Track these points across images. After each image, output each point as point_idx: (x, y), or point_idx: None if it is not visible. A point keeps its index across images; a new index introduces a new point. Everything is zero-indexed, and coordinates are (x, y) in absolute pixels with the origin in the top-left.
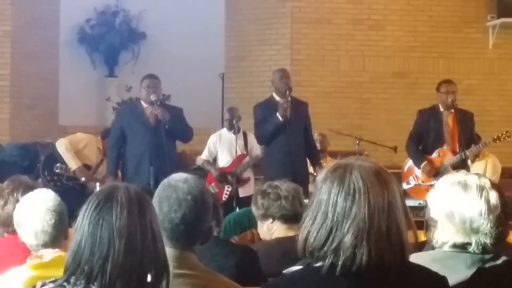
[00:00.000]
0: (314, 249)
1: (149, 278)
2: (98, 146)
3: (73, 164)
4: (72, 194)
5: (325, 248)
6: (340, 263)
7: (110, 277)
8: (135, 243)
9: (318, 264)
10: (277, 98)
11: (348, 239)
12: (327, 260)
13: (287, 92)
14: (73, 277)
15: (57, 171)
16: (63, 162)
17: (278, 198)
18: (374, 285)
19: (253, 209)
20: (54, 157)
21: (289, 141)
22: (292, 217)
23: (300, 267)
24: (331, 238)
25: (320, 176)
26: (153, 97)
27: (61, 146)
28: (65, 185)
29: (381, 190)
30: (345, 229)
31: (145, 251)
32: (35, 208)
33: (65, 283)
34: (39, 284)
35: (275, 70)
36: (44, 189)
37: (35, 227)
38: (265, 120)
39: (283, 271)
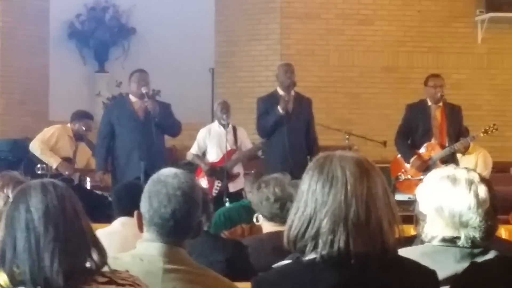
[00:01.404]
0: (296, 238)
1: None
2: (69, 134)
3: (53, 162)
4: None
5: (306, 236)
6: (319, 249)
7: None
8: (57, 222)
9: (307, 258)
10: (280, 92)
11: (324, 225)
12: (307, 248)
13: (290, 86)
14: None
15: (39, 172)
16: (42, 162)
17: (263, 198)
18: (358, 273)
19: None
20: (33, 160)
21: (289, 135)
22: (270, 219)
23: (290, 261)
24: (310, 226)
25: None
26: (144, 89)
27: (36, 149)
28: None
29: (361, 178)
30: (322, 215)
31: (68, 230)
32: None
33: None
34: None
35: (280, 64)
36: None
37: None
38: (267, 113)
39: (273, 266)
